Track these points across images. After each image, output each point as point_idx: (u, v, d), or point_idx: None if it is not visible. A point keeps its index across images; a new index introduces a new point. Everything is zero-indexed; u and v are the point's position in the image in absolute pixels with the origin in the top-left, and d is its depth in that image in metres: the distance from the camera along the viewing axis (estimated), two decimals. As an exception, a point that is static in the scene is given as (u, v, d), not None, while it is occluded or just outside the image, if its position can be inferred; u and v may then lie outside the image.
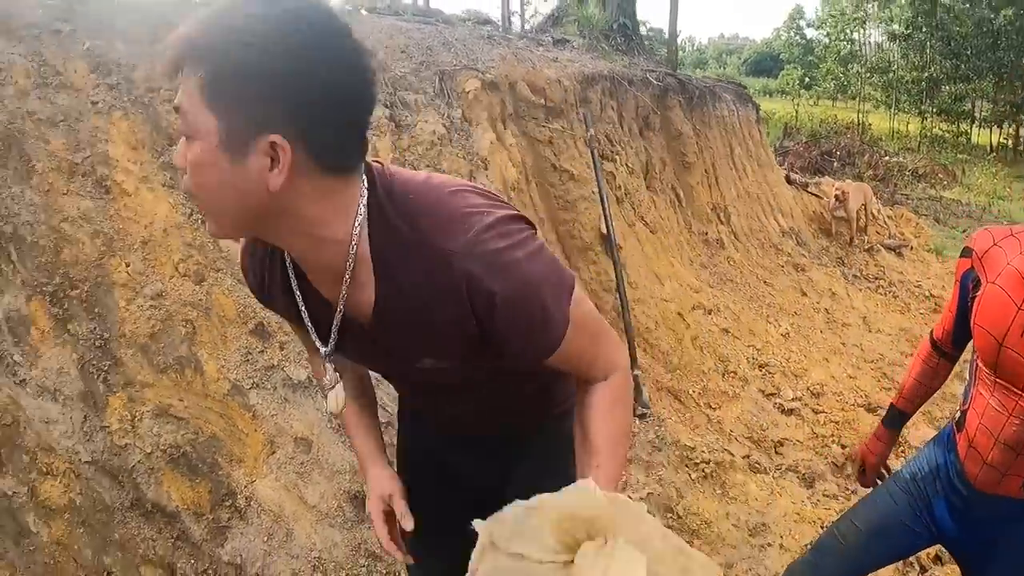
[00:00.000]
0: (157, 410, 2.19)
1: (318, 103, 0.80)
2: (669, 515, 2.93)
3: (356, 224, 0.91)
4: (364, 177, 0.92)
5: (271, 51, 0.77)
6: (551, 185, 4.11)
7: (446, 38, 4.23)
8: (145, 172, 2.54)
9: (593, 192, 4.11)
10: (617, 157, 4.65)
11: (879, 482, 1.81)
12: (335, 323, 1.02)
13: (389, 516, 1.25)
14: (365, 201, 0.91)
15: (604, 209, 4.03)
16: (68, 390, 2.11)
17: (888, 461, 1.85)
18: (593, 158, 4.17)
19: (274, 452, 2.33)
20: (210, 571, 2.10)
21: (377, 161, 0.97)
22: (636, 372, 3.61)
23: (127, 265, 2.35)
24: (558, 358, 1.01)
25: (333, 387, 1.14)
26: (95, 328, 2.22)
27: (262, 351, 2.47)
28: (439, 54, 3.96)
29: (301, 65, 0.78)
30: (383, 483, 1.26)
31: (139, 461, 2.11)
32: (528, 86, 4.13)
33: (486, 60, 4.13)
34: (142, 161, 2.56)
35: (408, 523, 1.21)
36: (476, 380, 1.12)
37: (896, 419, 1.79)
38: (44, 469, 2.00)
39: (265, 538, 2.18)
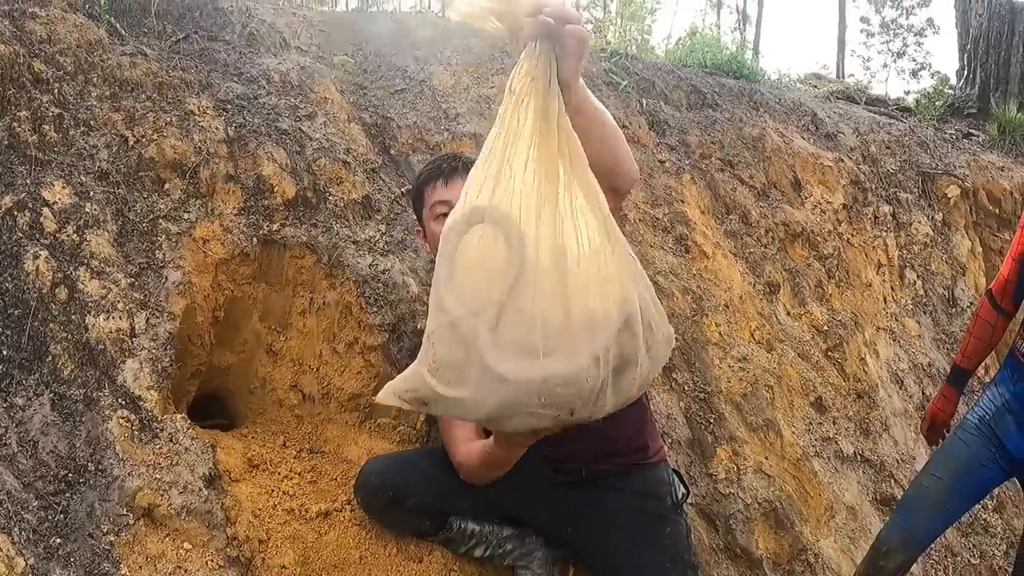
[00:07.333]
0: (754, 466, 2.27)
1: None
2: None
3: None
4: None
5: None
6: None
7: (919, 137, 4.21)
8: (716, 238, 2.64)
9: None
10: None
11: (946, 435, 2.01)
12: None
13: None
14: None
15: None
16: (676, 435, 2.17)
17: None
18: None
19: (833, 516, 2.43)
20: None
21: None
22: None
23: (716, 325, 2.42)
24: None
25: None
26: (696, 381, 2.30)
27: (820, 423, 2.61)
28: (916, 153, 4.03)
29: None
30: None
31: (738, 510, 2.17)
32: (987, 195, 4.09)
33: (957, 164, 4.08)
34: (711, 226, 2.65)
35: None
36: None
37: (959, 377, 1.97)
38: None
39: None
